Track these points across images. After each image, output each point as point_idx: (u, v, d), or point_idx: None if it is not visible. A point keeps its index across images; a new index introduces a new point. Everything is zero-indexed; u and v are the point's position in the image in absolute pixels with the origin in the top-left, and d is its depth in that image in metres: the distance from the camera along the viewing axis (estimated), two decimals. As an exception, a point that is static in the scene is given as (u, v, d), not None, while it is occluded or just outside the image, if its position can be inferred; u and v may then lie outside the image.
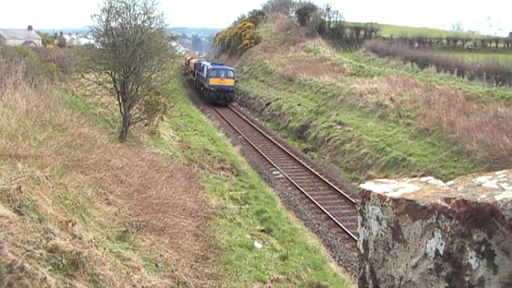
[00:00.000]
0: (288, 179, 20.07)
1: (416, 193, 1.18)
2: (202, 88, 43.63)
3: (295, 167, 22.17)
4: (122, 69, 15.52)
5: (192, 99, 41.93)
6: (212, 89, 38.76)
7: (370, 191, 1.28)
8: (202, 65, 44.44)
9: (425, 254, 1.11)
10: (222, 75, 39.14)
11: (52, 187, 6.76)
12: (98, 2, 20.29)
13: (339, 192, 18.26)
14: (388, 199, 1.22)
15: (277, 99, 35.01)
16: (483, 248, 0.97)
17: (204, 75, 41.26)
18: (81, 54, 17.52)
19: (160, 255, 7.27)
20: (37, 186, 6.41)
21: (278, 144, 26.03)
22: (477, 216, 0.99)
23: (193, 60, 53.65)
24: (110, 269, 5.60)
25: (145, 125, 18.52)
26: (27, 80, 12.37)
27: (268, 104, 35.54)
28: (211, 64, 42.94)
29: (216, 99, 38.93)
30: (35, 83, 12.75)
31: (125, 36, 15.70)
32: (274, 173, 21.01)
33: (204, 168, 17.55)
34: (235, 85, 41.59)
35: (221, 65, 43.93)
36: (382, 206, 1.24)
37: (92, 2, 20.94)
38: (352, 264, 12.71)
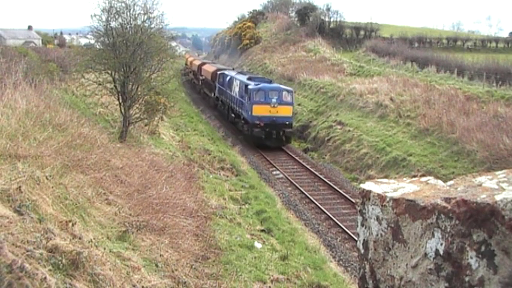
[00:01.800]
0: (288, 179, 20.07)
1: (416, 193, 1.18)
2: (232, 116, 28.63)
3: (295, 167, 22.17)
4: (122, 69, 15.52)
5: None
6: (258, 122, 23.98)
7: (370, 191, 1.28)
8: (230, 79, 29.21)
9: (425, 254, 1.11)
10: (274, 100, 24.16)
11: (52, 187, 6.76)
12: (98, 2, 20.29)
13: (339, 192, 18.26)
14: (388, 199, 1.22)
15: (277, 99, 34.87)
16: (483, 248, 0.97)
17: (237, 96, 26.95)
18: (81, 54, 17.52)
19: (160, 255, 7.27)
20: (37, 186, 6.41)
21: (278, 144, 25.96)
22: (477, 216, 0.99)
23: (209, 68, 37.09)
24: (110, 269, 5.60)
25: (145, 125, 18.52)
26: (27, 80, 12.37)
27: (268, 104, 35.36)
28: (250, 79, 27.09)
29: (265, 140, 24.18)
30: (35, 83, 12.75)
31: (125, 36, 15.70)
32: (274, 173, 21.01)
33: (204, 168, 17.55)
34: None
35: (269, 81, 27.50)
36: (382, 206, 1.24)
37: (92, 2, 20.94)
38: (352, 264, 12.71)
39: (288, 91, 25.25)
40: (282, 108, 24.32)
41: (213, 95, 34.63)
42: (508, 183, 1.05)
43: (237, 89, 27.21)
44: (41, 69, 18.37)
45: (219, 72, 32.58)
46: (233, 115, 28.39)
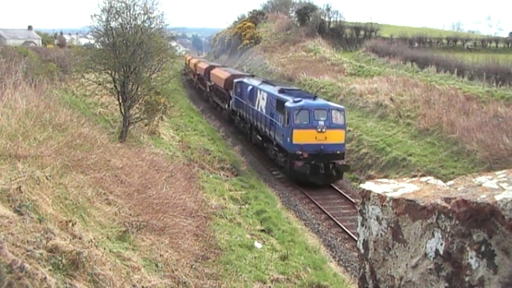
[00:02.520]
0: (288, 179, 20.04)
1: (416, 193, 1.18)
2: (258, 139, 22.86)
3: (295, 167, 22.06)
4: (122, 69, 15.53)
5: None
6: (299, 153, 18.11)
7: (370, 191, 1.28)
8: (252, 89, 23.70)
9: (425, 254, 1.11)
10: (322, 123, 18.24)
11: (52, 187, 6.76)
12: (98, 2, 20.31)
13: (339, 192, 18.25)
14: (388, 199, 1.22)
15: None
16: (483, 248, 0.97)
17: (264, 112, 21.48)
18: (81, 54, 17.56)
19: (160, 255, 7.27)
20: (37, 186, 6.41)
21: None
22: (477, 216, 0.99)
23: (220, 73, 31.13)
24: (110, 269, 5.60)
25: (145, 125, 18.53)
26: (27, 80, 12.38)
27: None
28: (283, 91, 20.85)
29: (310, 176, 18.17)
30: (35, 83, 12.76)
31: (125, 36, 15.71)
32: (274, 173, 20.99)
33: (204, 168, 17.55)
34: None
35: (313, 96, 20.39)
36: (382, 206, 1.24)
37: (92, 2, 20.95)
38: (352, 264, 12.70)
39: (338, 110, 19.03)
40: (332, 133, 18.31)
41: (227, 106, 29.14)
42: (508, 183, 1.05)
43: (263, 103, 21.69)
44: (41, 69, 18.38)
45: (235, 81, 26.84)
46: (259, 137, 22.55)
